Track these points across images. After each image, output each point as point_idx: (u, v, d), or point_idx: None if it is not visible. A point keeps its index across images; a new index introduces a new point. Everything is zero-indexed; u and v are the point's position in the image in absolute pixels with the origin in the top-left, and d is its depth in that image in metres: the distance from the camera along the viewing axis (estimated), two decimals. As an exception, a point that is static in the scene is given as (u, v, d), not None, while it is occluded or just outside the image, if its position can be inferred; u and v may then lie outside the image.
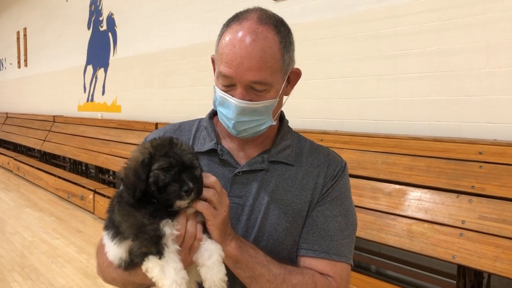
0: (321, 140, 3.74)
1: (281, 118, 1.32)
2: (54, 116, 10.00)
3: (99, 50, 8.63)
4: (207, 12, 5.69)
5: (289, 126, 1.33)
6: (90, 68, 9.08)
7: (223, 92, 1.14)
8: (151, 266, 0.96)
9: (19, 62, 13.67)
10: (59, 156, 9.35)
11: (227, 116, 1.15)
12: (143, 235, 0.96)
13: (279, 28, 1.14)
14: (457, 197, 2.80)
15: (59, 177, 7.58)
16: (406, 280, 3.46)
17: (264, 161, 1.22)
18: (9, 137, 12.31)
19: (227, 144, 1.27)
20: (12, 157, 10.18)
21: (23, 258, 4.58)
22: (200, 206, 1.01)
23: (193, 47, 5.95)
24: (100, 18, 8.54)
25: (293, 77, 1.23)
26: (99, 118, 8.35)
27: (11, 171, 10.01)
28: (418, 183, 3.02)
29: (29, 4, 12.49)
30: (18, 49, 13.59)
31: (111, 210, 1.06)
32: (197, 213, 1.04)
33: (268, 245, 1.17)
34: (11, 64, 14.49)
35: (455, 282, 2.92)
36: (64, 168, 8.93)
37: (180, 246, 1.01)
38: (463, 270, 2.84)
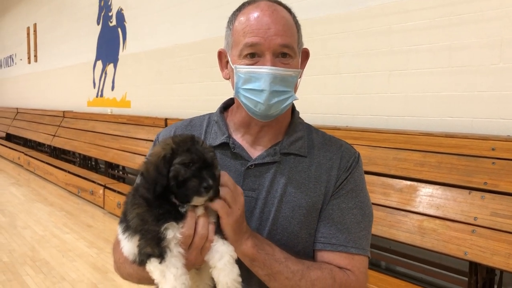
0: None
1: (293, 110, 1.31)
2: (64, 111, 10.05)
3: (109, 46, 8.66)
4: (215, 8, 5.68)
5: (300, 118, 1.32)
6: (99, 64, 9.12)
7: (250, 66, 1.13)
8: (152, 269, 0.97)
9: (29, 58, 13.76)
10: (69, 151, 9.41)
11: (258, 89, 1.13)
12: (147, 235, 0.97)
13: (288, 9, 1.21)
14: (469, 194, 2.78)
15: (69, 172, 7.63)
16: (416, 276, 3.45)
17: (277, 153, 1.20)
18: (20, 132, 12.41)
19: (239, 137, 1.26)
20: (22, 152, 10.26)
21: (35, 252, 4.62)
22: (215, 204, 1.00)
23: (201, 43, 5.94)
24: (110, 14, 8.56)
25: (303, 57, 1.25)
26: (109, 113, 8.39)
27: (22, 166, 10.09)
28: (429, 179, 3.00)
29: (39, 0, 12.55)
30: (28, 45, 13.67)
31: (125, 202, 1.06)
32: (210, 213, 1.03)
33: (283, 238, 1.16)
34: (21, 60, 14.59)
35: (466, 279, 2.90)
36: (74, 163, 8.98)
37: (189, 246, 1.01)
38: (475, 267, 2.82)
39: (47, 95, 12.28)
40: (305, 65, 1.26)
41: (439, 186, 2.94)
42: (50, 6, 11.76)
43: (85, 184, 6.89)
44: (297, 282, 1.08)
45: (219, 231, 1.03)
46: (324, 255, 1.17)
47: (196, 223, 1.01)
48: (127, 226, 1.03)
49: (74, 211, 6.36)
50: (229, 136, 1.24)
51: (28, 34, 13.59)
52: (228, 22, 1.21)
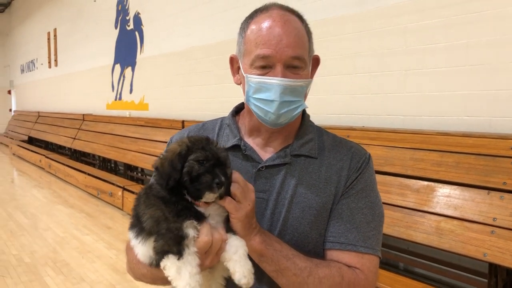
0: (348, 136, 3.70)
1: (303, 113, 1.32)
2: (83, 114, 10.21)
3: (127, 49, 8.76)
4: (230, 10, 5.71)
5: (310, 120, 1.33)
6: (118, 67, 9.23)
7: (261, 77, 1.15)
8: (169, 265, 0.98)
9: (49, 62, 14.01)
10: (88, 154, 9.54)
11: (268, 100, 1.15)
12: (168, 234, 0.98)
13: (300, 16, 1.22)
14: (488, 194, 2.73)
15: (89, 174, 7.75)
16: (435, 278, 3.40)
17: (287, 155, 1.22)
18: (41, 135, 12.65)
19: (251, 140, 1.28)
20: (44, 155, 10.45)
21: (55, 253, 4.71)
22: (224, 200, 1.03)
23: (217, 45, 5.98)
24: (127, 18, 8.66)
25: (314, 64, 1.26)
26: (127, 116, 8.48)
27: (43, 168, 10.27)
28: (447, 179, 2.96)
29: (59, 5, 12.77)
30: (49, 49, 13.92)
31: (136, 205, 1.09)
32: (220, 212, 1.06)
33: (293, 239, 1.18)
34: (42, 64, 14.87)
35: (486, 280, 2.86)
36: (93, 165, 9.11)
37: (207, 251, 1.03)
38: (494, 269, 2.77)
39: (67, 99, 12.48)
40: (315, 72, 1.28)
41: (457, 187, 2.90)
42: (70, 11, 11.96)
43: (104, 186, 6.98)
44: (305, 279, 1.10)
45: (229, 228, 1.06)
46: (333, 254, 1.18)
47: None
48: (141, 228, 1.05)
49: (94, 213, 6.45)
50: (241, 139, 1.27)
51: (49, 39, 13.85)
52: (240, 29, 1.23)
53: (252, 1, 5.20)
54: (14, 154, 13.19)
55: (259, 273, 1.10)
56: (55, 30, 13.31)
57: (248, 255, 1.05)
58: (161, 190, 1.04)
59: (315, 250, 1.20)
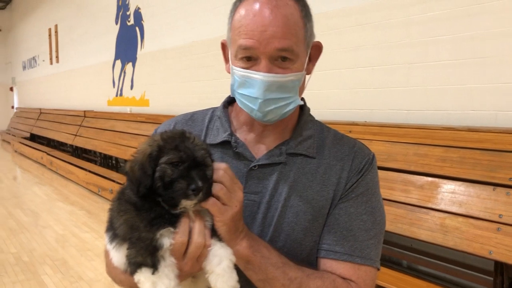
0: (350, 131, 3.63)
1: (302, 106, 1.19)
2: (84, 111, 10.16)
3: (127, 45, 8.69)
4: (230, 3, 5.62)
5: (310, 115, 1.20)
6: (118, 63, 9.17)
7: (244, 70, 1.03)
8: (143, 280, 0.89)
9: (51, 59, 13.97)
10: (90, 151, 9.50)
11: (251, 96, 1.03)
12: (139, 243, 0.89)
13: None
14: (494, 190, 2.65)
15: (89, 171, 7.69)
16: (439, 276, 3.33)
17: (282, 153, 1.10)
18: (43, 132, 12.61)
19: (243, 135, 1.15)
20: (45, 152, 10.41)
21: (54, 251, 4.65)
22: (207, 203, 0.92)
23: (218, 39, 5.87)
24: (127, 13, 8.59)
25: (314, 52, 1.12)
26: (128, 112, 8.42)
27: (45, 165, 10.23)
28: (451, 175, 2.88)
29: (59, 1, 12.71)
30: (50, 46, 13.87)
31: (111, 208, 0.99)
32: (204, 213, 0.95)
33: (286, 246, 1.07)
34: (43, 61, 14.82)
35: (492, 278, 2.79)
36: (95, 162, 9.06)
37: (184, 255, 0.92)
38: (500, 267, 2.70)
39: (68, 95, 12.43)
40: (317, 60, 1.14)
41: (462, 182, 2.82)
42: (70, 6, 11.89)
43: (105, 183, 6.93)
44: None
45: (215, 232, 0.95)
46: (327, 264, 1.07)
47: (191, 230, 0.93)
48: (115, 234, 0.95)
49: (94, 210, 6.40)
50: (232, 134, 1.14)
51: (50, 35, 13.79)
52: (230, 11, 1.09)
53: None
54: (16, 151, 13.16)
55: (245, 282, 1.00)
56: (56, 26, 13.25)
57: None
58: (133, 196, 0.92)
59: (308, 259, 1.10)
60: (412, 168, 3.10)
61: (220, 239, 0.95)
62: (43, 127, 12.82)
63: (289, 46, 1.00)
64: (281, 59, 1.02)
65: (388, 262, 3.66)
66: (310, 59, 1.11)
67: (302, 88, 1.12)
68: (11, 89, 20.50)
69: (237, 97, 1.09)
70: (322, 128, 1.19)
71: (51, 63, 13.98)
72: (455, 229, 2.73)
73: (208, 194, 0.91)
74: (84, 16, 10.97)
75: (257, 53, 1.01)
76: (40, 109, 14.19)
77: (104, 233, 1.02)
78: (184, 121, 1.24)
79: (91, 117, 9.69)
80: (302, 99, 1.17)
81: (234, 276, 0.91)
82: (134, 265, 0.90)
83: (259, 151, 1.13)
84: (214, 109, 1.25)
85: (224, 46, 1.15)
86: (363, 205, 1.09)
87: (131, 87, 8.62)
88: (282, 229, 1.08)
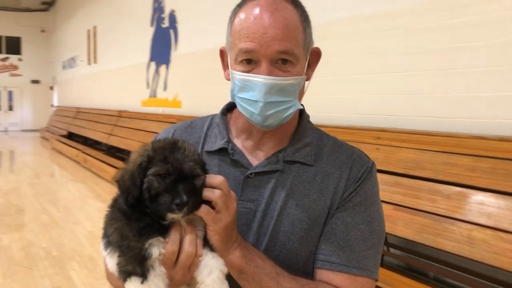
0: (378, 138, 3.58)
1: (301, 113, 1.18)
2: (119, 111, 10.38)
3: (161, 47, 8.83)
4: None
5: (310, 122, 1.19)
6: (153, 65, 9.33)
7: (244, 74, 1.02)
8: None
9: (89, 59, 14.35)
10: (123, 150, 9.68)
11: (252, 100, 1.03)
12: (128, 252, 0.89)
13: (296, 3, 1.06)
14: (525, 203, 2.55)
15: (122, 170, 7.82)
16: (466, 289, 3.23)
17: (279, 161, 1.09)
18: (80, 131, 12.96)
19: (241, 142, 1.15)
20: (80, 150, 10.69)
21: (82, 248, 4.77)
22: (200, 211, 0.90)
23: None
24: (162, 15, 8.73)
25: (313, 58, 1.12)
26: (161, 113, 8.55)
27: (79, 163, 10.50)
28: (481, 185, 2.79)
29: (99, 3, 13.05)
30: (89, 47, 14.26)
31: (106, 215, 0.99)
32: (196, 222, 0.95)
33: (281, 255, 1.05)
34: (82, 61, 15.25)
35: (521, 294, 2.68)
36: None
37: (175, 264, 0.92)
38: (530, 283, 2.60)
39: (104, 95, 12.73)
40: (315, 66, 1.13)
41: (492, 194, 2.73)
42: (109, 9, 12.19)
43: (136, 182, 7.02)
44: None
45: (206, 241, 0.94)
46: (323, 274, 1.05)
47: (182, 239, 0.93)
48: (108, 241, 0.95)
49: (124, 209, 6.50)
50: (229, 141, 1.14)
51: (89, 36, 14.17)
52: (229, 17, 1.10)
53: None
54: (53, 149, 13.56)
55: None
56: (94, 27, 13.61)
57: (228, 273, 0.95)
58: (123, 205, 0.92)
59: (304, 269, 1.08)
60: (440, 177, 3.02)
61: (212, 249, 0.95)
62: (79, 125, 13.17)
63: (290, 49, 1.00)
64: (281, 62, 1.02)
65: (414, 272, 3.58)
66: (309, 65, 1.10)
67: (301, 94, 1.10)
68: (51, 88, 21.18)
69: (237, 102, 1.08)
70: (321, 135, 1.17)
71: (89, 64, 14.36)
72: (482, 241, 2.64)
73: (196, 207, 0.89)
74: (121, 18, 11.23)
75: (258, 56, 1.01)
76: (77, 108, 14.60)
77: (101, 240, 1.02)
78: (183, 128, 1.24)
79: (125, 117, 9.89)
80: (302, 106, 1.16)
81: (224, 287, 0.91)
82: (124, 274, 0.90)
83: (256, 158, 1.12)
84: (213, 116, 1.24)
85: (222, 53, 1.15)
86: (360, 214, 1.07)
87: (164, 89, 8.75)
88: (278, 238, 1.06)
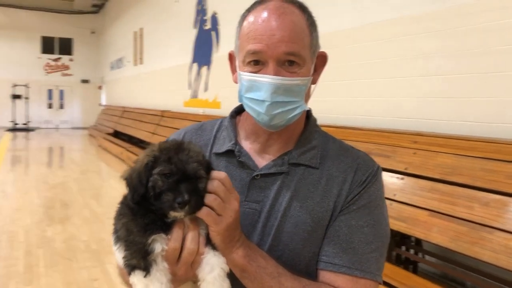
0: (415, 142, 3.50)
1: (308, 116, 1.20)
2: (162, 110, 10.61)
3: (203, 49, 8.97)
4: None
5: (317, 125, 1.21)
6: (195, 66, 9.48)
7: (252, 74, 1.06)
8: (136, 282, 0.93)
9: (135, 60, 14.75)
10: (165, 149, 9.87)
11: (259, 99, 1.06)
12: (133, 246, 0.93)
13: (303, 8, 1.10)
14: None
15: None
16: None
17: (285, 163, 1.11)
18: (125, 129, 13.34)
19: (248, 145, 1.18)
20: (125, 148, 11.00)
21: (121, 243, 4.90)
22: (201, 212, 0.93)
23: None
24: (205, 18, 8.87)
25: (320, 62, 1.15)
26: (201, 113, 8.68)
27: (124, 161, 10.80)
28: (521, 194, 2.68)
29: (146, 5, 13.39)
30: (135, 47, 14.66)
31: (116, 211, 1.03)
32: (199, 222, 0.97)
33: (284, 255, 1.07)
34: (128, 61, 15.70)
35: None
36: (169, 160, 9.39)
37: (178, 260, 0.95)
38: None
39: (149, 95, 13.05)
40: (322, 70, 1.16)
41: (532, 203, 2.61)
42: (155, 11, 12.49)
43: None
44: None
45: (210, 240, 0.97)
46: (325, 276, 1.06)
47: (185, 237, 0.96)
48: (117, 236, 0.99)
49: (163, 206, 6.64)
50: (236, 143, 1.17)
51: (135, 38, 14.57)
52: (238, 22, 1.14)
53: (324, 1, 5.08)
54: (99, 146, 14.02)
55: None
56: (141, 29, 13.98)
57: (230, 271, 0.98)
58: (130, 201, 0.96)
59: (307, 270, 1.09)
60: (478, 184, 2.92)
61: (214, 247, 0.97)
62: (125, 124, 13.56)
63: (296, 50, 1.03)
64: (288, 63, 1.04)
65: (451, 281, 3.47)
66: (315, 69, 1.13)
67: (307, 96, 1.13)
68: (100, 87, 21.92)
69: (245, 102, 1.11)
70: (328, 139, 1.19)
71: (135, 64, 14.76)
72: (521, 252, 2.53)
73: (198, 207, 0.92)
74: (166, 20, 11.48)
75: (265, 57, 1.04)
76: (123, 107, 15.03)
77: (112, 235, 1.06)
78: (193, 130, 1.27)
79: (168, 117, 10.11)
80: (309, 110, 1.19)
81: (225, 285, 0.94)
82: (129, 267, 0.94)
83: (263, 160, 1.15)
84: (223, 119, 1.28)
85: (231, 57, 1.19)
86: (364, 217, 1.08)
87: (205, 89, 8.88)
88: (281, 238, 1.08)
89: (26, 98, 20.87)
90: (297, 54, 1.04)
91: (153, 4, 12.70)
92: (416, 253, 3.65)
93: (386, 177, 3.49)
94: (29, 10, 20.91)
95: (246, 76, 1.08)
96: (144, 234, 0.92)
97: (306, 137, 1.16)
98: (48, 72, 21.91)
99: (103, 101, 21.18)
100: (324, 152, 1.15)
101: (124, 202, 1.00)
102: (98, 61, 21.95)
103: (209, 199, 0.94)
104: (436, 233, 3.00)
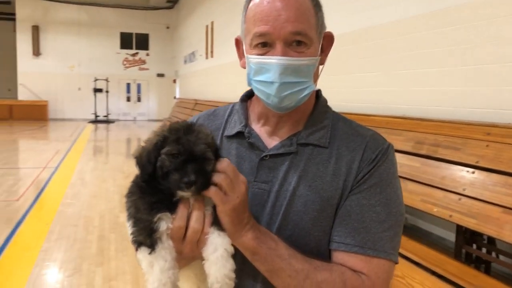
0: (488, 134, 3.28)
1: (317, 97, 1.20)
2: (232, 103, 10.75)
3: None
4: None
5: (327, 106, 1.20)
6: (263, 58, 9.50)
7: (260, 57, 1.06)
8: (141, 258, 0.95)
9: (206, 54, 15.08)
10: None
11: (268, 81, 1.06)
12: (139, 224, 0.95)
13: None
14: None
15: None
16: None
17: (293, 143, 1.12)
18: (197, 121, 13.68)
19: (258, 127, 1.19)
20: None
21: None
22: (209, 191, 0.94)
23: (346, 35, 5.76)
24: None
25: (326, 43, 1.14)
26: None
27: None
28: None
29: (216, 0, 13.62)
30: (206, 41, 14.98)
31: (128, 189, 1.06)
32: (207, 202, 0.98)
33: (294, 235, 1.07)
34: (201, 55, 16.09)
35: None
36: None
37: (183, 239, 0.97)
38: None
39: (219, 88, 13.31)
40: (329, 51, 1.15)
41: None
42: (226, 4, 12.67)
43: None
44: (301, 282, 0.99)
45: (217, 221, 0.98)
46: (338, 256, 1.05)
47: (190, 216, 0.97)
48: (129, 213, 1.02)
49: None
50: (246, 125, 1.18)
51: (207, 31, 14.88)
52: (243, 6, 1.14)
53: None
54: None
55: (255, 271, 1.03)
56: (212, 23, 14.25)
57: (238, 251, 0.98)
58: (140, 180, 0.99)
59: (318, 249, 1.08)
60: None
61: (220, 228, 0.97)
62: (196, 116, 13.91)
63: (303, 30, 1.03)
64: (295, 44, 1.04)
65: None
66: (322, 50, 1.12)
67: (316, 76, 1.11)
68: (174, 81, 22.68)
69: (254, 85, 1.12)
70: (338, 119, 1.18)
71: (207, 58, 15.09)
72: None
73: (204, 187, 0.93)
74: (236, 14, 11.58)
75: (272, 38, 1.04)
76: (195, 99, 15.45)
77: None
78: (206, 115, 1.30)
79: (236, 109, 10.23)
80: (319, 91, 1.19)
81: (228, 265, 0.94)
82: (136, 243, 0.97)
83: (272, 141, 1.16)
84: (234, 104, 1.29)
85: (238, 43, 1.19)
86: (376, 196, 1.06)
87: (273, 81, 8.89)
88: (290, 218, 1.08)
89: (107, 91, 22.09)
90: (303, 33, 1.03)
91: (224, -3, 12.90)
92: (489, 252, 3.44)
93: (455, 170, 3.31)
94: (109, 7, 22.04)
95: (254, 59, 1.08)
96: (150, 212, 0.94)
97: (315, 117, 1.16)
98: (126, 67, 23.02)
99: (177, 94, 21.89)
100: (334, 132, 1.14)
101: (135, 181, 1.02)
102: (173, 55, 22.72)
103: (219, 177, 0.95)
104: (510, 231, 2.81)
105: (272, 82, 1.05)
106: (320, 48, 1.10)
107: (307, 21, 1.04)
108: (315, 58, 1.08)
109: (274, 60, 1.04)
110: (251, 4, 1.10)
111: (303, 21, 1.03)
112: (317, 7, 1.09)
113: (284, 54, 1.03)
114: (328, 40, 1.14)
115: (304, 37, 1.04)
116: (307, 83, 1.08)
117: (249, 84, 1.14)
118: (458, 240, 3.42)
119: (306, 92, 1.08)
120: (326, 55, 1.15)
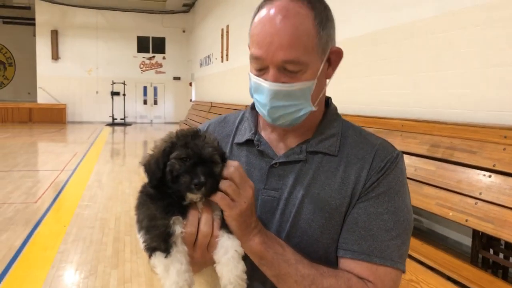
0: (505, 137, 3.23)
1: (327, 104, 1.20)
2: (246, 106, 10.78)
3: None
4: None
5: (337, 114, 1.20)
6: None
7: (256, 77, 1.08)
8: (157, 263, 0.95)
9: (222, 57, 15.14)
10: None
11: (261, 102, 1.08)
12: (154, 230, 0.96)
13: (314, 4, 1.05)
14: None
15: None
16: None
17: (303, 151, 1.12)
18: (212, 124, 13.73)
19: (267, 134, 1.20)
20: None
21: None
22: (215, 196, 0.96)
23: (362, 38, 5.73)
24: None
25: (334, 58, 1.11)
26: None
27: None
28: None
29: (232, 3, 13.69)
30: (222, 45, 15.04)
31: (137, 199, 1.07)
32: (214, 207, 1.00)
33: (302, 242, 1.08)
34: (216, 58, 16.17)
35: None
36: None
37: (194, 244, 0.98)
38: None
39: (234, 91, 13.34)
40: (337, 66, 1.13)
41: None
42: (240, 7, 12.73)
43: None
44: (307, 287, 1.00)
45: (226, 224, 1.00)
46: (345, 263, 1.06)
47: (199, 220, 0.99)
48: (140, 226, 1.03)
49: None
50: (256, 133, 1.20)
51: (222, 35, 14.94)
52: (252, 17, 1.13)
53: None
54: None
55: (263, 277, 1.04)
56: (227, 26, 14.30)
57: (247, 256, 0.99)
58: (149, 187, 1.01)
59: (326, 257, 1.08)
60: None
61: (230, 231, 0.99)
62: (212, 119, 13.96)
63: (295, 57, 1.02)
64: (288, 70, 1.04)
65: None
66: (330, 64, 1.11)
67: (317, 93, 1.10)
68: (190, 84, 22.82)
69: (254, 101, 1.14)
70: (348, 127, 1.19)
71: (222, 61, 15.15)
72: None
73: (214, 189, 0.96)
74: (250, 18, 11.60)
75: (265, 63, 1.04)
76: (211, 102, 15.52)
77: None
78: (217, 122, 1.31)
79: (251, 112, 10.24)
80: (329, 98, 1.19)
81: (240, 267, 0.95)
82: (149, 251, 0.98)
83: (282, 149, 1.17)
84: (245, 111, 1.30)
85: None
86: (384, 204, 1.06)
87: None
88: (299, 225, 1.09)
89: (124, 95, 22.32)
90: (296, 61, 1.02)
91: (238, 1, 12.93)
92: (506, 258, 3.39)
93: (471, 174, 3.27)
94: (126, 12, 22.29)
95: (253, 77, 1.10)
96: (165, 216, 0.96)
97: (324, 125, 1.16)
98: (143, 70, 23.25)
99: (193, 97, 22.01)
100: (343, 140, 1.15)
101: (143, 191, 1.04)
102: (189, 58, 22.86)
103: (224, 184, 0.97)
104: (526, 237, 2.76)
105: (264, 104, 1.08)
106: (323, 65, 1.08)
107: (302, 46, 1.02)
108: (310, 81, 1.06)
109: (265, 85, 1.05)
110: (256, 19, 1.09)
111: (297, 47, 1.01)
112: (321, 25, 1.05)
113: (275, 79, 1.04)
114: (336, 55, 1.12)
115: (296, 65, 1.03)
116: (301, 105, 1.08)
117: (251, 97, 1.16)
118: (475, 244, 3.38)
119: (301, 113, 1.09)
120: (334, 69, 1.13)
